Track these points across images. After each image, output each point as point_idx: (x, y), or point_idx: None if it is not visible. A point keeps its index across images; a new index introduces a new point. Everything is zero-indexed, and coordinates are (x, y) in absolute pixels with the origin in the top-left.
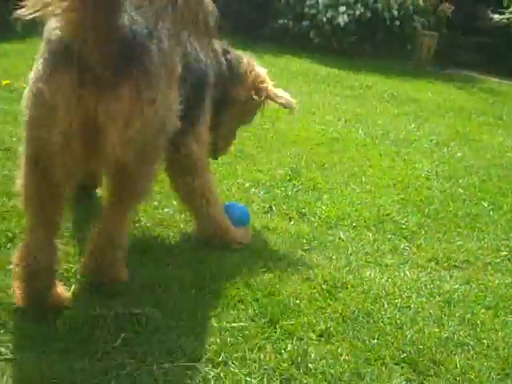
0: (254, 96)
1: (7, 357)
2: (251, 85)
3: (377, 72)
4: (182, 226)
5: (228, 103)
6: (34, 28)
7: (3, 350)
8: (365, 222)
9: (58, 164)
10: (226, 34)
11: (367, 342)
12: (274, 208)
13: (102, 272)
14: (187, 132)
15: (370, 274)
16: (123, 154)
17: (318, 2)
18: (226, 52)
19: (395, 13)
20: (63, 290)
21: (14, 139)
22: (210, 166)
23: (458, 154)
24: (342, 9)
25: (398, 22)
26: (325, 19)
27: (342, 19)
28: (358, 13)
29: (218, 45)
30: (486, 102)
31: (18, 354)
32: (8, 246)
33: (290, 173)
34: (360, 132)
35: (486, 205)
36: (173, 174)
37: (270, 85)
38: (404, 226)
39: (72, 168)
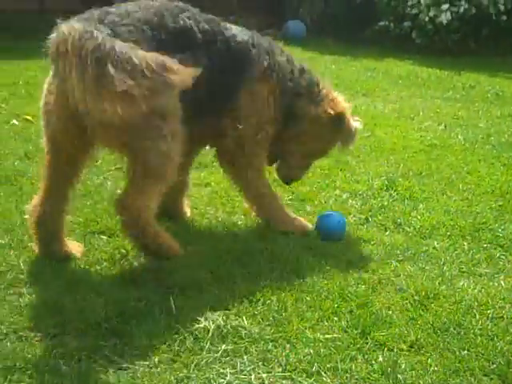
0: (328, 110)
1: (122, 365)
2: (326, 106)
3: (481, 70)
4: (280, 239)
5: (297, 118)
6: None
7: (117, 358)
8: (460, 230)
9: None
10: (326, 37)
11: (457, 352)
12: (370, 219)
13: None
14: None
15: (463, 284)
16: None
17: (419, 2)
18: (302, 71)
19: (501, 7)
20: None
21: None
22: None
23: None
24: (445, 6)
25: (504, 17)
26: (427, 18)
27: (445, 17)
28: (461, 9)
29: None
30: None
31: (131, 364)
32: (122, 262)
33: (386, 182)
34: (460, 137)
35: None
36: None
37: (346, 108)
38: (501, 235)
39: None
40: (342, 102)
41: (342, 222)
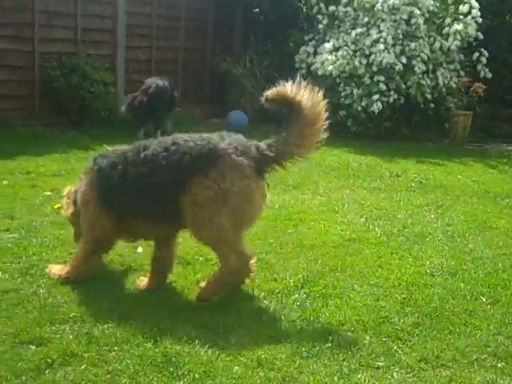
0: None
1: None
2: None
3: (411, 156)
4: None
5: None
6: None
7: None
8: (364, 325)
9: None
10: (268, 126)
11: None
12: (282, 318)
13: None
14: None
15: (360, 378)
16: None
17: (352, 93)
18: None
19: (428, 96)
20: None
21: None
22: None
23: (470, 246)
24: (376, 97)
25: (432, 105)
26: (360, 108)
27: (377, 106)
28: (391, 99)
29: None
30: None
31: None
32: (47, 372)
33: (302, 280)
34: (377, 230)
35: (484, 299)
36: None
37: None
38: (400, 328)
39: None
40: None
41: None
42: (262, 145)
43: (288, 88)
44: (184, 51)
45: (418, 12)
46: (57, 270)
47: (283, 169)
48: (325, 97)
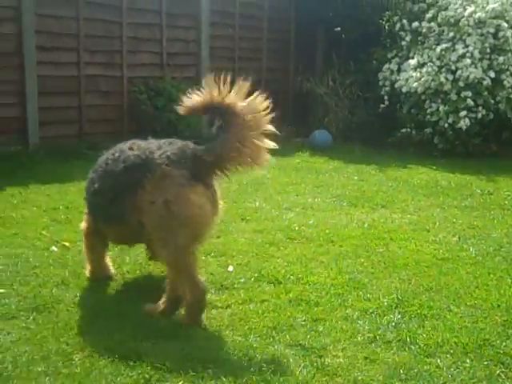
0: None
1: None
2: None
3: (502, 173)
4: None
5: None
6: None
7: None
8: (463, 348)
9: None
10: (352, 145)
11: None
12: (377, 337)
13: None
14: None
15: None
16: None
17: (438, 109)
18: None
19: None
20: None
21: None
22: None
23: None
24: (463, 113)
25: None
26: (447, 125)
27: (464, 123)
28: (479, 115)
29: None
30: None
31: None
32: None
33: (396, 300)
34: (471, 249)
35: None
36: None
37: None
38: (502, 351)
39: None
40: None
41: None
42: (200, 150)
43: (211, 93)
44: (266, 72)
45: (506, 25)
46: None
47: (226, 176)
48: (410, 114)
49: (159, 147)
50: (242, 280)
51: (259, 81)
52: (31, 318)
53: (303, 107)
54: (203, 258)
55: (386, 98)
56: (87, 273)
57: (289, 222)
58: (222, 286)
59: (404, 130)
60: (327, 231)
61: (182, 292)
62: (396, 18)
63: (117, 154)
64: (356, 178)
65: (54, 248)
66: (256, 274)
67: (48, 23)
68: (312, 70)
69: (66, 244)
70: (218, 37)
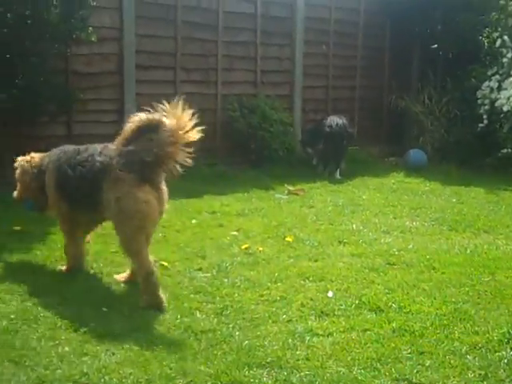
0: None
1: None
2: None
3: None
4: None
5: None
6: None
7: None
8: None
9: None
10: (448, 165)
11: None
12: (489, 375)
13: None
14: None
15: None
16: None
17: None
18: None
19: None
20: None
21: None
22: None
23: None
24: None
25: None
26: None
27: None
28: None
29: None
30: None
31: None
32: None
33: (507, 335)
34: None
35: None
36: None
37: None
38: None
39: None
40: None
41: None
42: (143, 152)
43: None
44: (360, 89)
45: None
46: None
47: (171, 173)
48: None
49: (117, 152)
50: (343, 306)
51: (352, 98)
52: (134, 338)
53: (397, 126)
54: (302, 282)
55: (484, 116)
56: None
57: (387, 247)
58: (322, 312)
59: (505, 151)
60: (428, 257)
61: (135, 270)
62: (496, 35)
63: (89, 158)
64: (454, 200)
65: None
66: (357, 301)
67: (147, 43)
68: (407, 87)
69: (165, 264)
70: (312, 54)
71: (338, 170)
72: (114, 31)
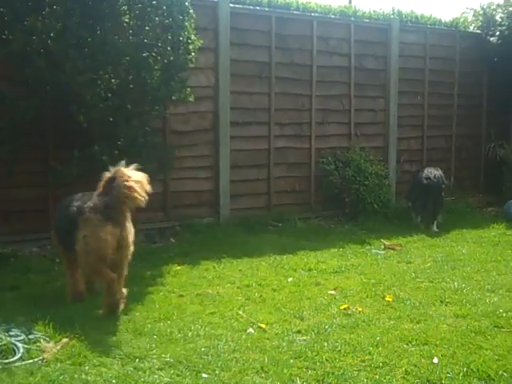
0: None
1: None
2: None
3: None
4: None
5: None
6: None
7: None
8: None
9: None
10: None
11: None
12: None
13: None
14: None
15: None
16: None
17: None
18: None
19: None
20: None
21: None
22: None
23: None
24: None
25: None
26: None
27: None
28: None
29: None
30: None
31: None
32: None
33: None
34: None
35: None
36: None
37: None
38: None
39: None
40: None
41: None
42: (106, 197)
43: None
44: (456, 138)
45: None
46: None
47: (128, 209)
48: None
49: (90, 199)
50: (450, 375)
51: (449, 148)
52: None
53: (496, 175)
54: (404, 346)
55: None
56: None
57: (494, 307)
58: (428, 380)
59: None
60: None
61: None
62: None
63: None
64: None
65: (250, 330)
66: (465, 369)
67: (241, 99)
68: (507, 136)
69: (263, 326)
70: (406, 105)
71: (435, 223)
72: (209, 90)
